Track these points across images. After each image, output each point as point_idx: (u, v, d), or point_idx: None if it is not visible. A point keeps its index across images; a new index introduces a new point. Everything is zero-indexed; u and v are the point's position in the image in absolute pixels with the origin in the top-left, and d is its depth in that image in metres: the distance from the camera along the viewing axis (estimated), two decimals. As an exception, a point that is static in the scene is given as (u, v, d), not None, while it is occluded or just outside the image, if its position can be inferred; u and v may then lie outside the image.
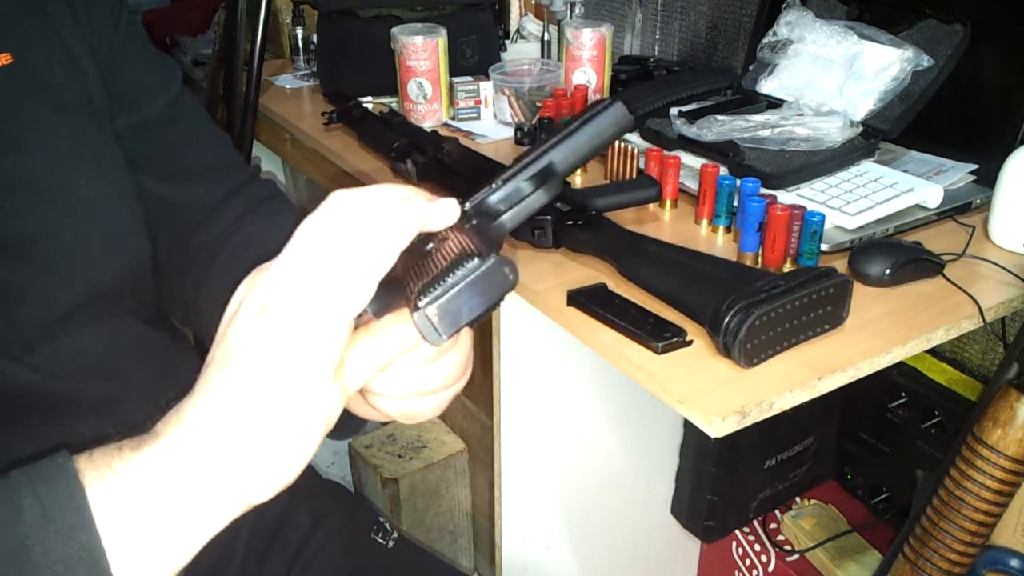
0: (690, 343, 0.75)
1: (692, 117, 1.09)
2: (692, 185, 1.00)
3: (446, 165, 1.06)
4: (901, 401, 1.17)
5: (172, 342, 0.72)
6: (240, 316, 0.39)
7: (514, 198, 0.44)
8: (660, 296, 0.81)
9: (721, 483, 1.22)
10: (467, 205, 0.43)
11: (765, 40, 1.21)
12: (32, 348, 0.58)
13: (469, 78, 1.32)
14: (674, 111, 1.11)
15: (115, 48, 0.64)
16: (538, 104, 1.25)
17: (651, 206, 1.01)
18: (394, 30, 1.28)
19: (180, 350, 0.73)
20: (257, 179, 0.76)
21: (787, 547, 1.25)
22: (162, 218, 0.67)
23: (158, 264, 0.68)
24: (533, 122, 1.22)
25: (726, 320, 0.69)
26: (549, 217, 0.90)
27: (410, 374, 0.45)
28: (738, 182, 0.94)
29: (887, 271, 0.83)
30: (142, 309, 0.68)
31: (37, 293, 0.58)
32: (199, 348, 0.75)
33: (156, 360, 0.68)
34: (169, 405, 0.39)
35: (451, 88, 1.31)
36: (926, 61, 1.08)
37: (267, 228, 0.69)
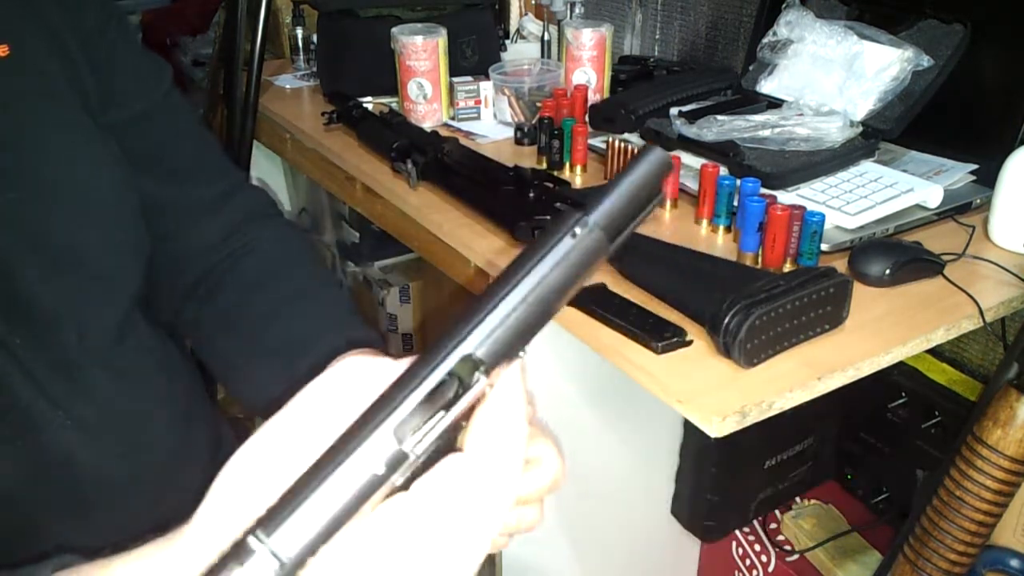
0: (690, 343, 0.75)
1: (692, 117, 1.09)
2: (692, 185, 1.00)
3: (446, 165, 1.06)
4: (901, 401, 1.16)
5: (177, 346, 0.71)
6: None
7: None
8: (660, 296, 0.81)
9: (721, 483, 1.22)
10: None
11: (765, 40, 1.21)
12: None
13: (469, 78, 1.32)
14: (674, 111, 1.11)
15: (105, 43, 0.63)
16: (538, 104, 1.25)
17: (651, 206, 1.01)
18: (394, 30, 1.28)
19: (183, 355, 0.72)
20: (249, 186, 0.75)
21: (787, 547, 1.25)
22: (148, 217, 0.66)
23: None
24: (533, 122, 1.21)
25: (726, 320, 0.69)
26: (549, 217, 0.90)
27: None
28: (738, 182, 0.94)
29: (887, 271, 0.83)
30: (148, 310, 0.68)
31: (46, 281, 0.57)
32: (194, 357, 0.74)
33: (168, 363, 0.68)
34: None
35: (451, 88, 1.31)
36: (926, 61, 1.08)
37: (277, 259, 0.69)
